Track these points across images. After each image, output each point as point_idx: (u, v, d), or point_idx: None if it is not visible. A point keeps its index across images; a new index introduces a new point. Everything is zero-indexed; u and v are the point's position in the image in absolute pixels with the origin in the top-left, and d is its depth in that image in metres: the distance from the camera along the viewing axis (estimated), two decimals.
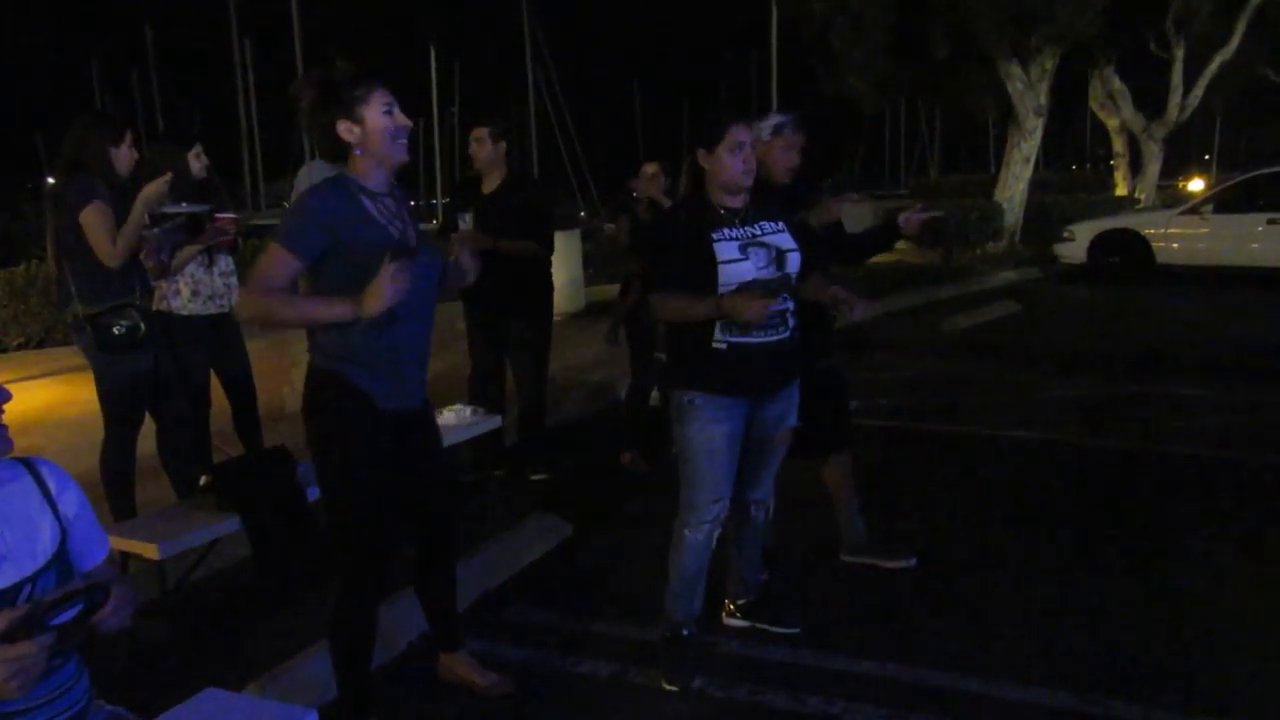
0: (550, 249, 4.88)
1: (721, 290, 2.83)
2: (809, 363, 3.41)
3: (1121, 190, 21.95)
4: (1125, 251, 13.11)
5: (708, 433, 2.94)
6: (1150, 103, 20.29)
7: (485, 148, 4.65)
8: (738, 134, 2.89)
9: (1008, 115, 17.11)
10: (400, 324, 2.50)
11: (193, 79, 37.49)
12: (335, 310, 2.42)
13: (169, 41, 37.82)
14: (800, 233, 3.04)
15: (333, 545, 2.64)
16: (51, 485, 1.62)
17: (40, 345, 9.46)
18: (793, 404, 3.13)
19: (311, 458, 2.62)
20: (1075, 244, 13.67)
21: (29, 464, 1.63)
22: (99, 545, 1.71)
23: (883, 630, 3.34)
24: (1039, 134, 16.52)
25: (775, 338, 2.92)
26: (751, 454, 3.10)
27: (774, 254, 2.90)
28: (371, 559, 2.63)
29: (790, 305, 2.94)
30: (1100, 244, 13.38)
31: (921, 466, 5.22)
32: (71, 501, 1.65)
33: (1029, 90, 15.96)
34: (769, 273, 2.88)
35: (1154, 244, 12.97)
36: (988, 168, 35.63)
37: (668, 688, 3.00)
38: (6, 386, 1.55)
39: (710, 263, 2.83)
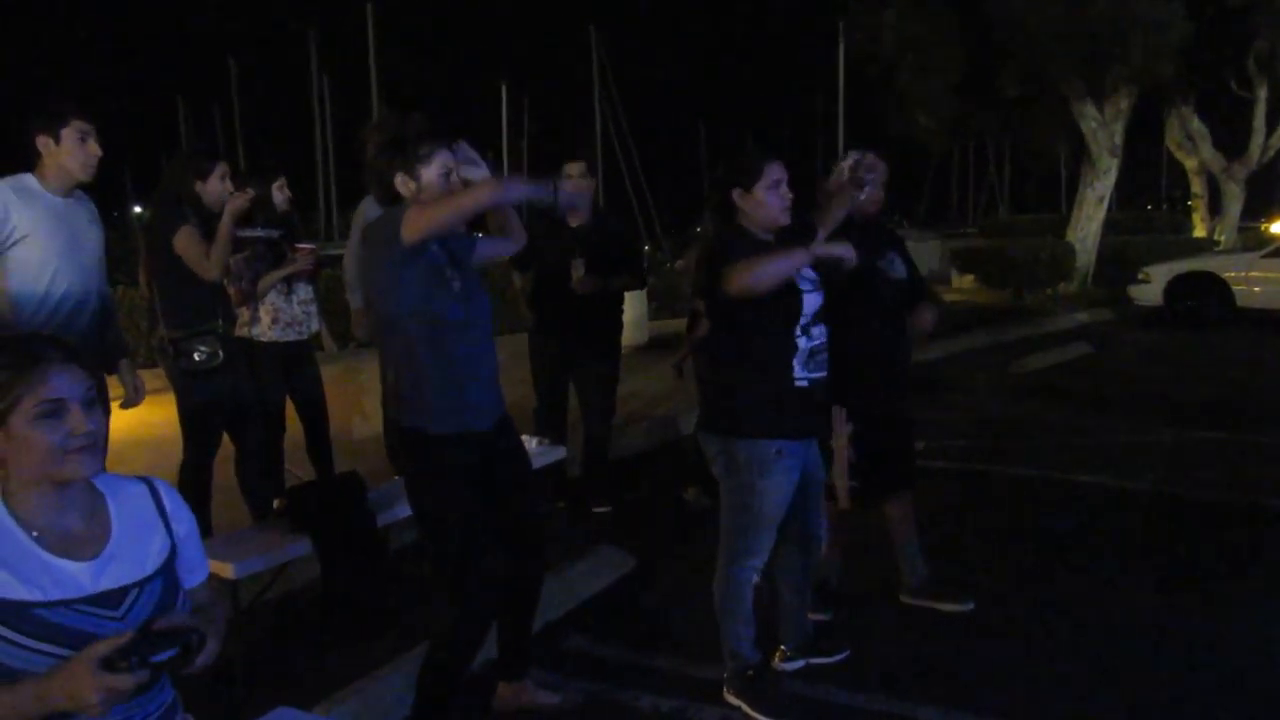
0: (645, 281, 5.00)
1: (801, 318, 2.88)
2: (870, 401, 3.39)
3: (1200, 232, 21.36)
4: (1204, 294, 12.72)
5: (789, 482, 2.94)
6: (1231, 142, 19.76)
7: (583, 184, 4.73)
8: (774, 172, 2.92)
9: (1080, 154, 16.83)
10: (460, 343, 2.62)
11: (272, 112, 38.77)
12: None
13: (250, 77, 39.23)
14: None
15: (440, 577, 2.77)
16: (167, 504, 1.71)
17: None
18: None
19: (409, 500, 2.80)
20: (1151, 286, 13.31)
21: (148, 482, 1.72)
22: (200, 569, 1.78)
23: (947, 676, 3.27)
24: (1113, 174, 16.22)
25: (824, 374, 2.97)
26: (807, 495, 3.09)
27: (819, 283, 2.99)
28: (487, 586, 2.72)
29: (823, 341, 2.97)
30: (1177, 286, 13.01)
31: (989, 510, 5.11)
32: (183, 522, 1.73)
33: (1103, 129, 15.70)
34: (818, 300, 2.95)
35: (1234, 287, 12.58)
36: (1059, 207, 34.99)
37: None
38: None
39: (792, 291, 2.87)
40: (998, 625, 3.63)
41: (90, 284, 3.45)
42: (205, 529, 3.95)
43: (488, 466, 2.75)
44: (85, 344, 3.38)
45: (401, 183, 2.62)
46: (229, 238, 3.74)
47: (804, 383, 2.90)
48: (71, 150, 3.27)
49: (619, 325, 5.01)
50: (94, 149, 3.33)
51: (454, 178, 2.63)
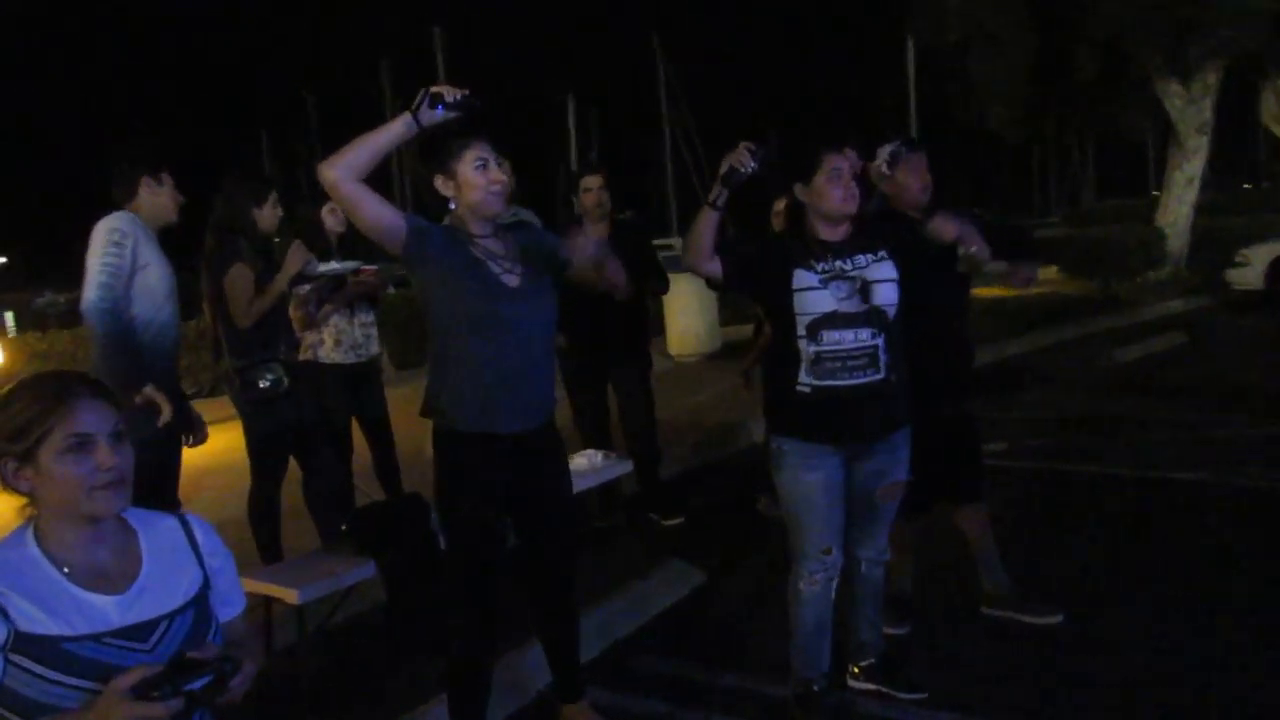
0: (668, 285, 5.05)
1: (800, 319, 2.74)
2: (936, 409, 3.21)
3: None
4: None
5: (801, 481, 2.84)
6: None
7: (603, 196, 4.69)
8: (834, 161, 2.78)
9: (1167, 134, 16.13)
10: (490, 344, 2.54)
11: (349, 140, 39.96)
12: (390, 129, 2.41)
13: (327, 107, 40.23)
14: (910, 254, 2.87)
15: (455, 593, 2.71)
16: (199, 537, 1.72)
17: (211, 394, 10.10)
18: (897, 459, 2.94)
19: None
20: (1250, 269, 12.68)
21: (180, 516, 1.74)
22: (236, 602, 1.77)
23: (1028, 695, 3.08)
24: (1203, 153, 15.46)
25: (864, 379, 2.77)
26: (855, 510, 2.95)
27: (858, 285, 2.76)
28: (480, 611, 2.67)
29: (880, 342, 2.77)
30: None
31: (1079, 513, 4.86)
32: (216, 554, 1.73)
33: (1190, 106, 14.99)
34: (851, 305, 2.75)
35: None
36: (1147, 191, 33.70)
37: None
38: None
39: (786, 291, 2.76)
40: (1089, 639, 3.42)
41: (177, 314, 3.64)
42: (276, 554, 4.00)
43: (513, 476, 2.68)
44: (171, 368, 3.60)
45: (442, 184, 2.60)
46: (277, 297, 3.84)
47: (805, 389, 2.77)
48: (171, 191, 3.54)
49: (647, 333, 5.01)
50: (179, 196, 3.60)
51: (492, 167, 2.56)
